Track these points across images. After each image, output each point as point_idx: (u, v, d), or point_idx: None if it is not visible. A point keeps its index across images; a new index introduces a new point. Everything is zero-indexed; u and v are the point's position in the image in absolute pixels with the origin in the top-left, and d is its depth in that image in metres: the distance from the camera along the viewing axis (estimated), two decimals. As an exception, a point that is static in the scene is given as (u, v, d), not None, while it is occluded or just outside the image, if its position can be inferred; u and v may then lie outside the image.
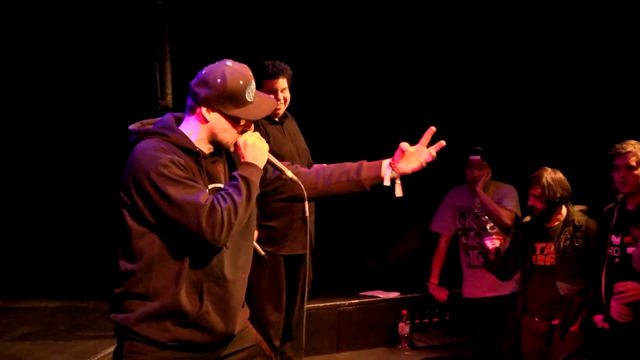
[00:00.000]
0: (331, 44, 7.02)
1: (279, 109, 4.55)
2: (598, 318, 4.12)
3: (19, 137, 6.88)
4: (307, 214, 2.90)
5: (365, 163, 2.99)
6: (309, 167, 3.15)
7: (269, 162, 2.82)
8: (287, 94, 4.59)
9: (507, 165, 5.83)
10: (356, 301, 5.93)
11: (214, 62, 2.76)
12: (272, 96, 4.28)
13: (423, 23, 7.05)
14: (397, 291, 6.19)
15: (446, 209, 5.82)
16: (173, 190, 2.52)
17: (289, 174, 2.88)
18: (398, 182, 2.93)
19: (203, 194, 2.56)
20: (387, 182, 2.92)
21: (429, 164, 2.92)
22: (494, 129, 6.57)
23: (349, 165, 3.01)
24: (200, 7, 6.57)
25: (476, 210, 5.58)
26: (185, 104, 2.77)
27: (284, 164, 2.92)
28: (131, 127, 2.76)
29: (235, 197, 2.59)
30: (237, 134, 2.75)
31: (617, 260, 4.01)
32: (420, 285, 6.12)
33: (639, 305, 3.76)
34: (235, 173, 2.69)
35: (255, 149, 2.74)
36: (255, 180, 2.68)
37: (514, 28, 6.78)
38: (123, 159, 2.68)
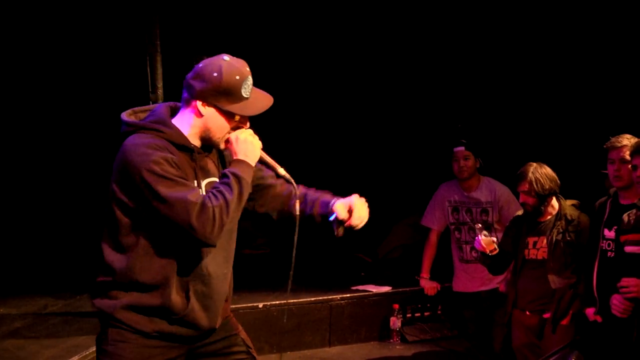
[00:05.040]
0: (322, 38, 7.02)
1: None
2: (590, 311, 4.12)
3: (10, 131, 6.85)
4: (297, 212, 2.88)
5: (320, 199, 2.98)
6: None
7: (261, 159, 2.80)
8: None
9: (498, 161, 5.84)
10: (348, 295, 5.92)
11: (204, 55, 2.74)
12: None
13: (406, 19, 7.04)
14: (389, 285, 6.19)
15: (437, 204, 5.83)
16: (164, 188, 2.51)
17: (282, 171, 2.86)
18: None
19: (193, 192, 2.54)
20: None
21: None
22: (484, 126, 6.56)
23: (310, 196, 2.99)
24: (190, 0, 6.54)
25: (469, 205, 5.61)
26: (178, 97, 2.75)
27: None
28: (124, 117, 2.74)
29: (227, 195, 2.57)
30: (230, 130, 2.73)
31: (609, 254, 4.01)
32: (411, 280, 6.13)
33: (639, 302, 3.74)
34: (226, 170, 2.67)
35: (247, 145, 2.72)
36: (247, 177, 2.66)
37: (504, 24, 6.78)
38: (115, 153, 2.66)
